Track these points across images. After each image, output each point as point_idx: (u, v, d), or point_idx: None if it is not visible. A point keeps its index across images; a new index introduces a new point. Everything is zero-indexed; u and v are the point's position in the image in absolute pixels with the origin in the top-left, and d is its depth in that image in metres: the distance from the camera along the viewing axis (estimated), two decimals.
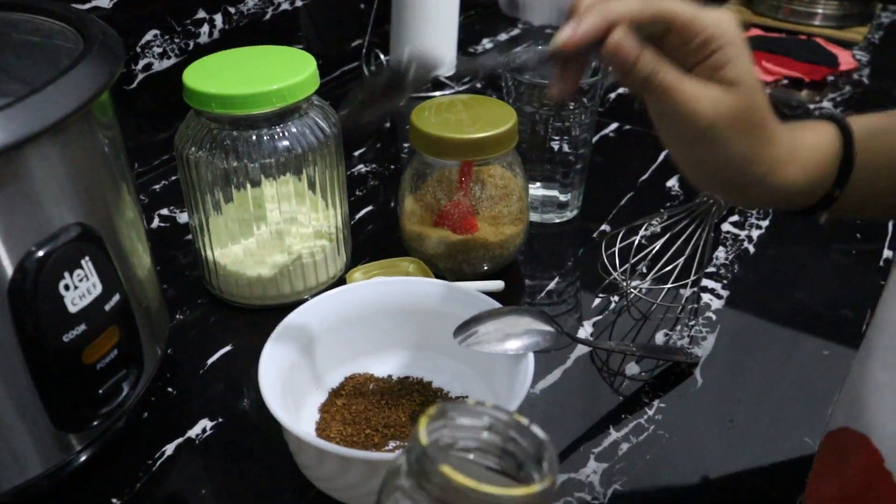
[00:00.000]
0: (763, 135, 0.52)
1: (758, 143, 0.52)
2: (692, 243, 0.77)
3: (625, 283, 0.74)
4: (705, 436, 0.63)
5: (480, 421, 0.34)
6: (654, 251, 0.77)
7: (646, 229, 0.79)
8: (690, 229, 0.79)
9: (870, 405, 0.46)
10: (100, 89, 0.51)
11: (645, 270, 0.78)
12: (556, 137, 0.82)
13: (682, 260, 0.75)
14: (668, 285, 0.74)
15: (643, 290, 0.75)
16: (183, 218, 0.88)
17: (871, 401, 0.46)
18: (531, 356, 0.57)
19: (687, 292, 0.76)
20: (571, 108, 0.80)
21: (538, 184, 0.86)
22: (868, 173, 0.56)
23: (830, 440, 0.50)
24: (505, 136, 0.72)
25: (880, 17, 1.47)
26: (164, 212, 0.89)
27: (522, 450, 0.34)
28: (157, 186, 0.93)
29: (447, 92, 1.15)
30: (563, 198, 0.87)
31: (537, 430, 0.33)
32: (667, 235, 0.78)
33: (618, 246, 0.78)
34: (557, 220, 0.88)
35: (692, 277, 0.75)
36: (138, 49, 0.91)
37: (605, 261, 0.77)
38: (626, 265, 0.75)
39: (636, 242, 0.77)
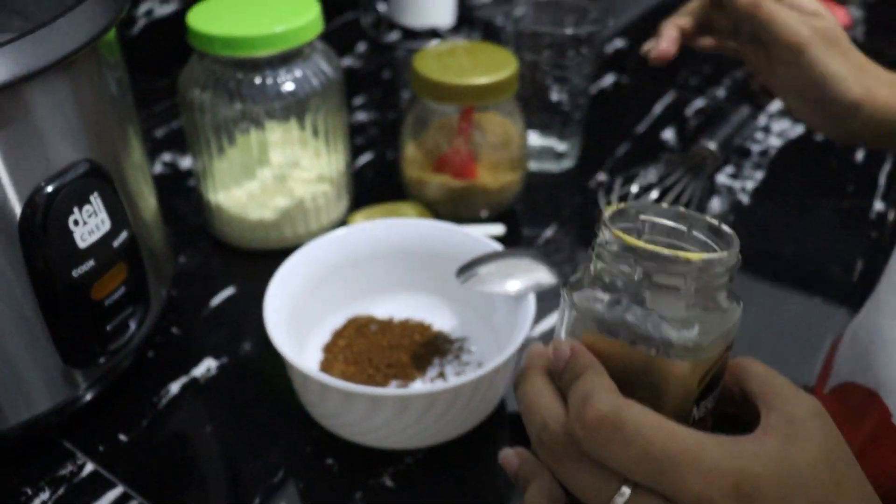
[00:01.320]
0: (854, 57, 0.60)
1: (850, 64, 0.59)
2: (687, 193, 0.78)
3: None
4: None
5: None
6: (649, 201, 0.78)
7: (642, 178, 0.80)
8: (685, 179, 0.80)
9: (879, 361, 0.46)
10: (108, 24, 0.51)
11: None
12: (556, 87, 0.83)
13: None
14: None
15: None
16: (184, 164, 0.89)
17: (879, 356, 0.46)
18: (532, 297, 0.58)
19: None
20: (571, 56, 0.81)
21: (536, 132, 0.86)
22: None
23: (836, 394, 0.51)
24: (506, 82, 0.72)
25: None
26: (167, 158, 0.90)
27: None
28: (158, 133, 0.94)
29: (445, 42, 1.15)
30: (560, 147, 0.87)
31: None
32: (662, 185, 0.79)
33: (615, 194, 0.79)
34: (555, 170, 0.88)
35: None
36: None
37: (602, 208, 0.78)
38: None
39: (632, 191, 0.78)
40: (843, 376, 0.50)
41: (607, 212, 0.37)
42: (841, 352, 0.52)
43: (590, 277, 0.37)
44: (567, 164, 0.89)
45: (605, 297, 0.36)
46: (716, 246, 0.36)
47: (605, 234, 0.36)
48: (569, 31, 0.79)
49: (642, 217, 0.38)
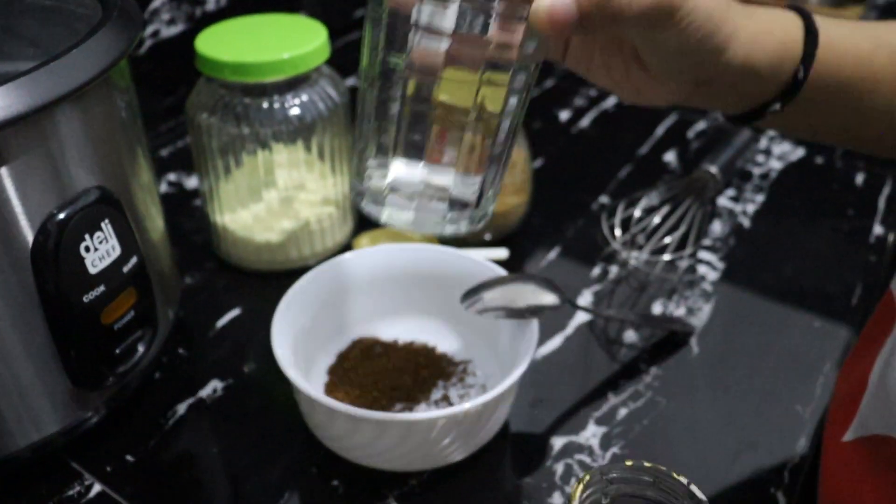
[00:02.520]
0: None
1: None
2: (689, 217, 0.79)
3: (624, 254, 0.76)
4: (700, 402, 0.65)
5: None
6: (652, 223, 0.79)
7: (645, 202, 0.81)
8: (687, 203, 0.80)
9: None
10: (120, 55, 0.52)
11: (643, 242, 0.79)
12: None
13: (678, 233, 0.77)
14: (666, 257, 0.76)
15: (641, 261, 0.77)
16: (190, 183, 0.89)
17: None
18: (536, 322, 0.59)
19: (683, 264, 0.78)
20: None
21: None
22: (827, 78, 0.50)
23: (866, 444, 0.50)
24: None
25: None
26: (172, 177, 0.90)
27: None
28: (164, 152, 0.94)
29: None
30: None
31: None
32: (665, 208, 0.80)
33: (618, 217, 0.80)
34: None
35: (688, 251, 0.77)
36: (146, 15, 0.92)
37: (606, 231, 0.79)
38: (626, 236, 0.77)
39: (635, 214, 0.79)
40: (873, 427, 0.49)
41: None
42: (868, 400, 0.51)
43: None
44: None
45: None
46: None
47: None
48: None
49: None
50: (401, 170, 0.44)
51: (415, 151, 0.44)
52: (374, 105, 0.44)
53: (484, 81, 0.42)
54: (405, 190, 0.45)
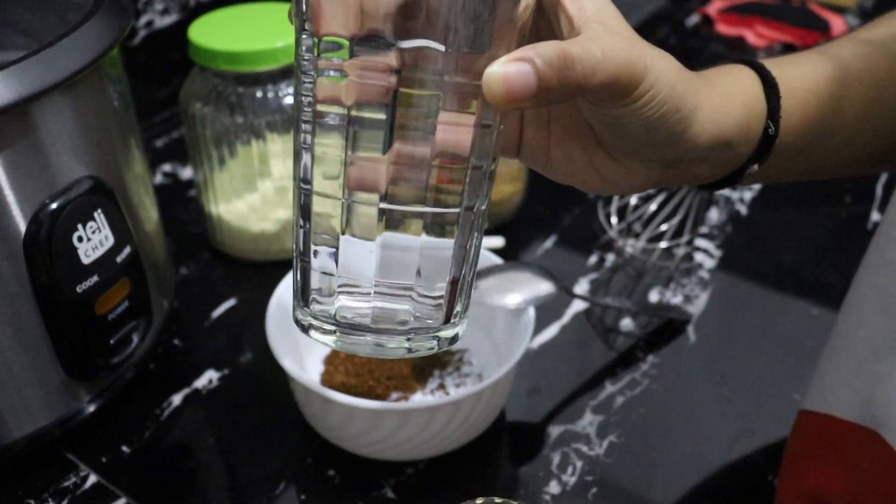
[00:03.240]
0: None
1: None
2: (685, 204, 0.79)
3: (620, 242, 0.76)
4: (697, 390, 0.65)
5: None
6: (648, 211, 0.78)
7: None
8: (684, 191, 0.80)
9: (874, 398, 0.44)
10: (111, 44, 0.51)
11: (640, 230, 0.79)
12: None
13: (675, 220, 0.77)
14: (662, 244, 0.76)
15: (638, 249, 0.77)
16: (184, 174, 0.89)
17: (873, 393, 0.44)
18: (532, 310, 0.59)
19: (680, 251, 0.77)
20: None
21: None
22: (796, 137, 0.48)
23: (814, 426, 0.49)
24: None
25: None
26: (167, 168, 0.90)
27: None
28: (159, 142, 0.94)
29: None
30: None
31: None
32: (661, 196, 0.79)
33: (614, 205, 0.79)
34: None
35: (685, 238, 0.77)
36: (140, 5, 0.91)
37: (602, 219, 0.78)
38: (623, 224, 0.77)
39: (631, 202, 0.79)
40: (833, 409, 0.48)
41: None
42: (823, 377, 0.50)
43: None
44: None
45: None
46: None
47: None
48: None
49: None
50: (352, 293, 0.37)
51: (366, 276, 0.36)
52: (310, 218, 0.37)
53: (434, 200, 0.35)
54: (359, 315, 0.37)
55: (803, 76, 0.48)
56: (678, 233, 0.78)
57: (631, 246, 0.77)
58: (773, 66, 0.48)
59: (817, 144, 0.50)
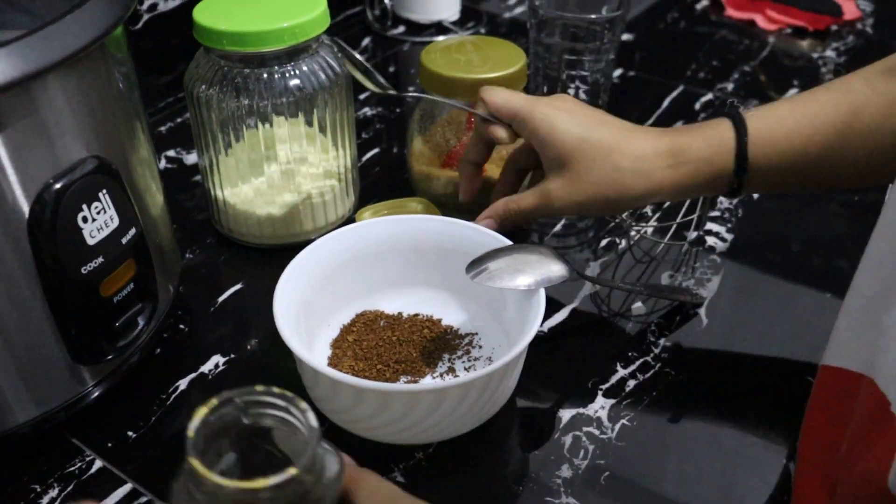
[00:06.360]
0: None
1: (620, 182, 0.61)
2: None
3: (627, 225, 0.75)
4: (710, 374, 0.64)
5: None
6: None
7: None
8: None
9: (876, 348, 0.46)
10: (116, 22, 0.51)
11: (649, 213, 0.78)
12: (569, 81, 0.83)
13: (686, 204, 0.76)
14: (672, 223, 0.75)
15: (647, 232, 0.76)
16: (189, 160, 0.88)
17: (876, 344, 0.46)
18: (542, 292, 0.58)
19: (692, 235, 0.76)
20: (591, 42, 0.81)
21: None
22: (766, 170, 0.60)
23: (830, 378, 0.51)
24: (514, 76, 0.72)
25: None
26: (171, 153, 0.89)
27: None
28: (163, 128, 0.93)
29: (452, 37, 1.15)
30: None
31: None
32: None
33: None
34: None
35: (695, 216, 0.75)
36: None
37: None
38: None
39: None
40: (836, 360, 0.50)
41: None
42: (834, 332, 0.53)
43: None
44: None
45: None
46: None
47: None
48: (591, 15, 0.79)
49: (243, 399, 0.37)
50: None
51: None
52: None
53: None
54: None
55: (779, 132, 0.59)
56: (687, 216, 0.77)
57: (639, 229, 0.76)
58: (755, 118, 0.60)
59: (793, 184, 0.63)
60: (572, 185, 0.61)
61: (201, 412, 0.36)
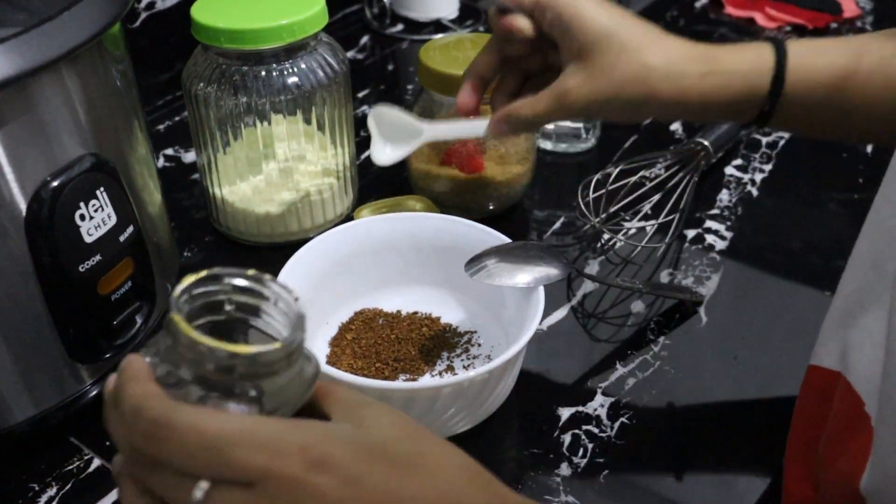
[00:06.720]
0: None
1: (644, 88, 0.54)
2: (679, 188, 0.77)
3: (596, 226, 0.73)
4: (710, 372, 0.64)
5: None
6: (629, 194, 0.76)
7: (628, 172, 0.78)
8: (679, 174, 0.79)
9: (851, 347, 0.46)
10: (113, 18, 0.51)
11: (627, 215, 0.78)
12: None
13: (653, 201, 0.75)
14: (650, 227, 0.74)
15: (627, 233, 0.76)
16: (188, 158, 0.88)
17: (852, 343, 0.46)
18: (541, 290, 0.58)
19: (669, 237, 0.75)
20: None
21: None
22: (803, 93, 0.54)
23: (814, 377, 0.51)
24: None
25: None
26: (169, 152, 0.89)
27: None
28: (161, 126, 0.93)
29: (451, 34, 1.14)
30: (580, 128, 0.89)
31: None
32: (654, 180, 0.78)
33: (607, 188, 0.76)
34: (572, 151, 0.89)
35: (671, 218, 0.74)
36: None
37: (582, 208, 0.75)
38: (601, 210, 0.74)
39: (611, 173, 0.76)
40: (822, 360, 0.50)
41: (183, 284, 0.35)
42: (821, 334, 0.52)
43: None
44: (586, 145, 0.89)
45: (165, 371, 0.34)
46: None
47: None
48: None
49: (226, 281, 0.37)
50: None
51: None
52: None
53: None
54: None
55: (820, 58, 0.54)
56: (670, 214, 0.75)
57: (615, 230, 0.75)
58: (797, 46, 0.54)
59: (823, 122, 0.56)
60: (594, 80, 0.54)
61: (189, 279, 0.35)
